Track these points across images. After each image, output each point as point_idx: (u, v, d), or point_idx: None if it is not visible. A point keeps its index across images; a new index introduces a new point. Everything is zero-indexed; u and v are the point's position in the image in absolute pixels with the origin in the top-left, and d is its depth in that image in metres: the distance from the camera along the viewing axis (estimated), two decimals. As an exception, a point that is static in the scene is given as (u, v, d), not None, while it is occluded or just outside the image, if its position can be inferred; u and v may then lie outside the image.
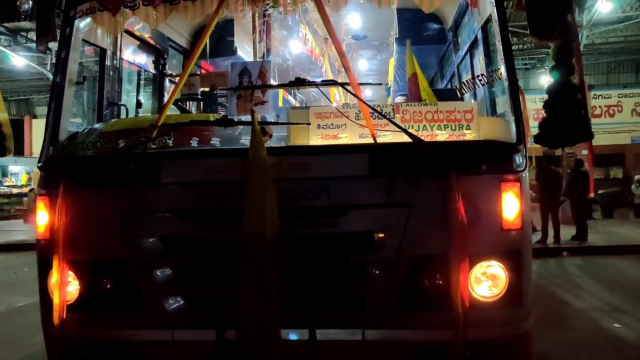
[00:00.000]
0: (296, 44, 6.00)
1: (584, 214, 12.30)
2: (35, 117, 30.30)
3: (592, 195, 12.55)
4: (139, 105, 4.81)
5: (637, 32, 21.29)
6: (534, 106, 16.71)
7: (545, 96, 2.80)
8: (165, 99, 5.15)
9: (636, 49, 23.74)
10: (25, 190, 23.77)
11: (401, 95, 5.39)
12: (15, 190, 25.08)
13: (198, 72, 5.23)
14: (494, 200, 2.73)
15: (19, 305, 7.26)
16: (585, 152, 12.61)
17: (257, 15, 4.23)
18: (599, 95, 22.03)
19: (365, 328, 2.73)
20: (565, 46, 2.61)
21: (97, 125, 3.57)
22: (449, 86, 5.64)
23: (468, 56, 4.38)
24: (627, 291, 7.46)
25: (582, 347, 5.03)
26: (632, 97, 21.91)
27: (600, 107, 22.07)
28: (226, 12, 3.15)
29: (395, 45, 5.87)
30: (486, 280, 2.75)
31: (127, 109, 4.35)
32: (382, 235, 2.77)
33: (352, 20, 5.93)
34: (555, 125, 2.66)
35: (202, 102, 5.09)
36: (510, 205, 2.74)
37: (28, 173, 27.07)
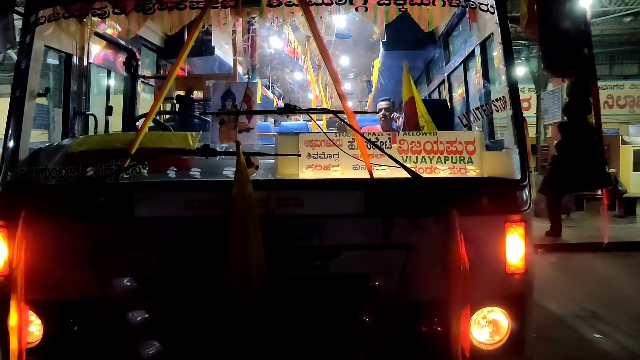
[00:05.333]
0: (277, 43, 5.71)
1: (559, 210, 12.40)
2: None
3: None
4: (109, 112, 4.44)
5: (613, 26, 21.50)
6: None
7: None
8: (138, 102, 4.81)
9: (611, 43, 24.04)
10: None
11: (384, 100, 5.15)
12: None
13: (173, 74, 4.88)
14: (497, 242, 2.57)
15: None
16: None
17: (238, 25, 3.86)
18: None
19: None
20: (581, 83, 2.40)
21: (62, 142, 3.24)
22: (436, 92, 5.45)
23: (461, 68, 4.18)
24: (601, 294, 7.50)
25: (567, 363, 5.00)
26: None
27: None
28: (207, 24, 2.86)
29: (382, 48, 5.63)
30: (487, 327, 2.60)
31: (95, 119, 4.01)
32: (378, 279, 2.58)
33: (337, 20, 5.64)
34: (568, 168, 2.48)
35: (177, 106, 4.79)
36: (515, 248, 2.58)
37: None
